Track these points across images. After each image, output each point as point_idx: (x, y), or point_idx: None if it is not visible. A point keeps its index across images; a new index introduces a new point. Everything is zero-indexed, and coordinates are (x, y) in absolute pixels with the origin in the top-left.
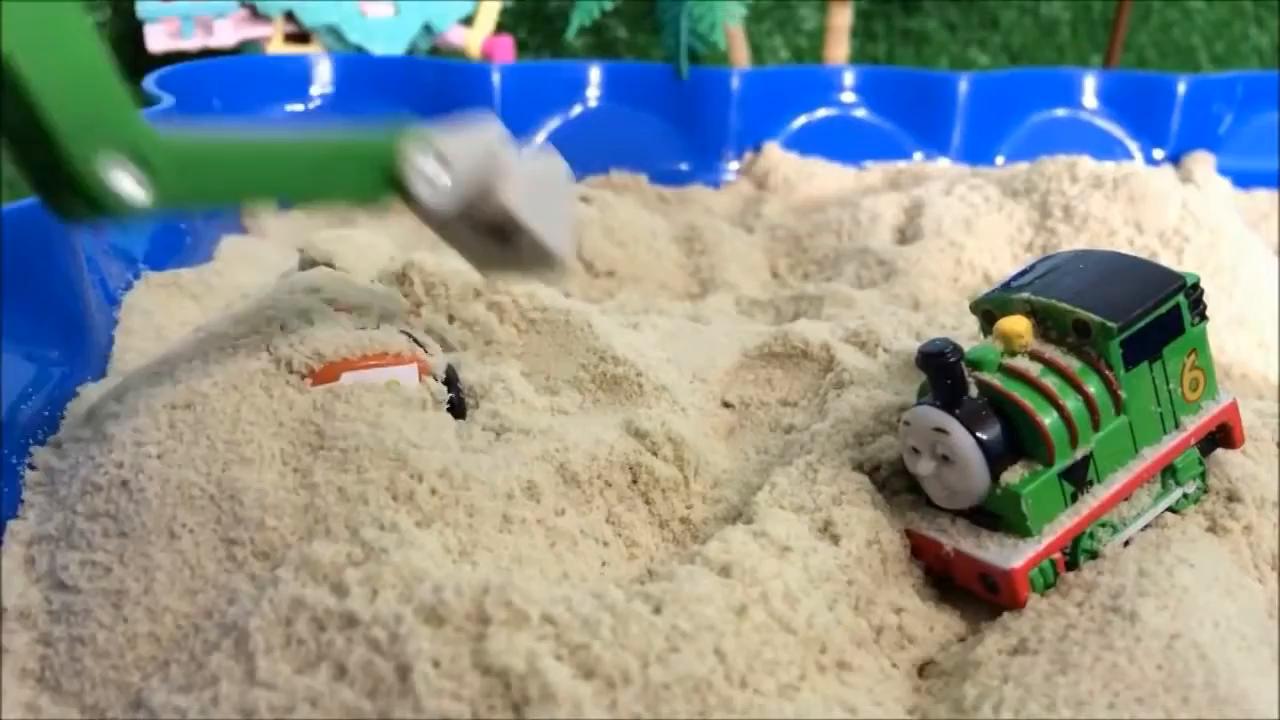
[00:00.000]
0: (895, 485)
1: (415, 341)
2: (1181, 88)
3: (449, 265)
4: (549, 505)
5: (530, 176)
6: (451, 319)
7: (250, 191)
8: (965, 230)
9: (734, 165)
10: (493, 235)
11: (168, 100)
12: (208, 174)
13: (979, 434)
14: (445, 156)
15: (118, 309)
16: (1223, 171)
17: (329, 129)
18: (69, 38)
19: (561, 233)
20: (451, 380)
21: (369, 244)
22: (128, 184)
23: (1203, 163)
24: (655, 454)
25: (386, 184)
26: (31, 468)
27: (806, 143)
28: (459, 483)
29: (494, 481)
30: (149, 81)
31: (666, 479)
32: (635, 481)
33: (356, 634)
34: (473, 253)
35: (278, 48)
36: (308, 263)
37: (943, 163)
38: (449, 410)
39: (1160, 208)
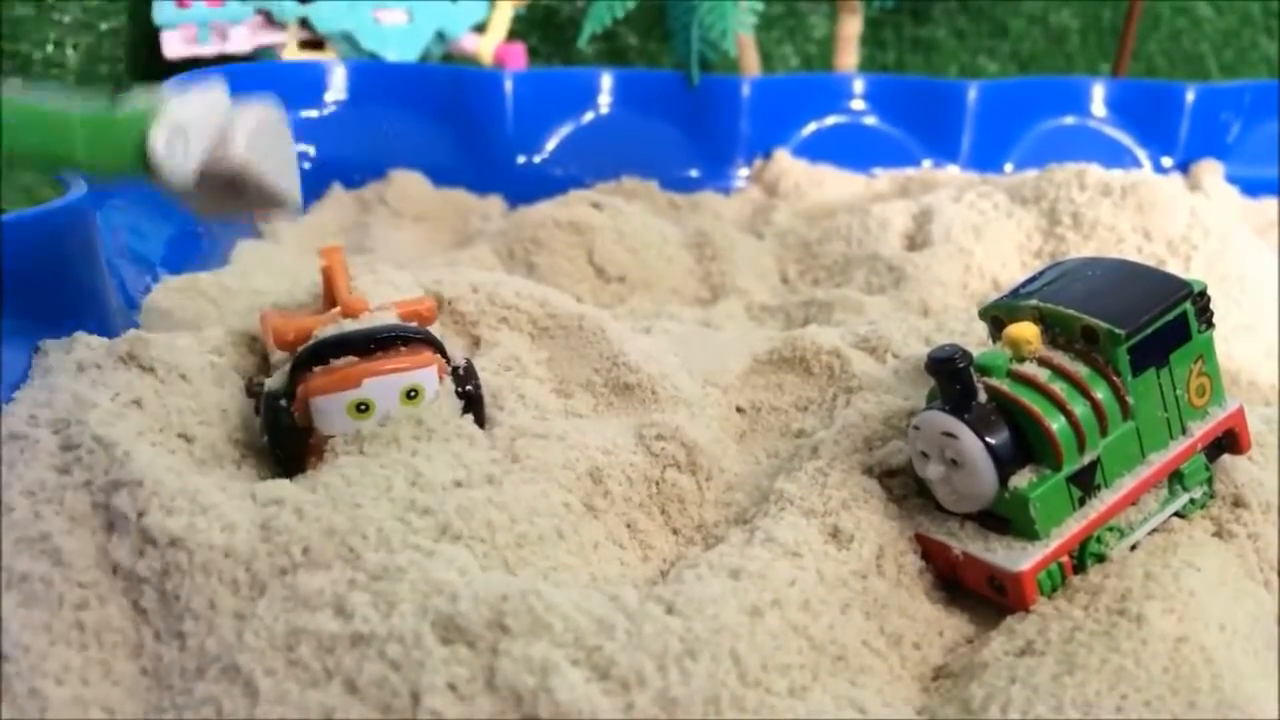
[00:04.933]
0: (904, 489)
1: (432, 340)
2: (1190, 96)
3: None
4: (571, 511)
5: (254, 128)
6: (463, 324)
7: (19, 147)
8: (974, 237)
9: (744, 172)
10: (225, 188)
11: None
12: None
13: (987, 438)
14: (183, 130)
15: (137, 312)
16: (1231, 180)
17: (84, 102)
18: None
19: (289, 174)
20: (470, 375)
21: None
22: None
23: (1211, 171)
24: (672, 459)
25: (134, 160)
26: None
27: (816, 150)
28: (479, 500)
29: (516, 498)
30: (166, 87)
31: (682, 484)
32: (653, 487)
33: (370, 651)
34: (202, 205)
35: (292, 54)
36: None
37: (952, 170)
38: (465, 408)
39: (1168, 215)
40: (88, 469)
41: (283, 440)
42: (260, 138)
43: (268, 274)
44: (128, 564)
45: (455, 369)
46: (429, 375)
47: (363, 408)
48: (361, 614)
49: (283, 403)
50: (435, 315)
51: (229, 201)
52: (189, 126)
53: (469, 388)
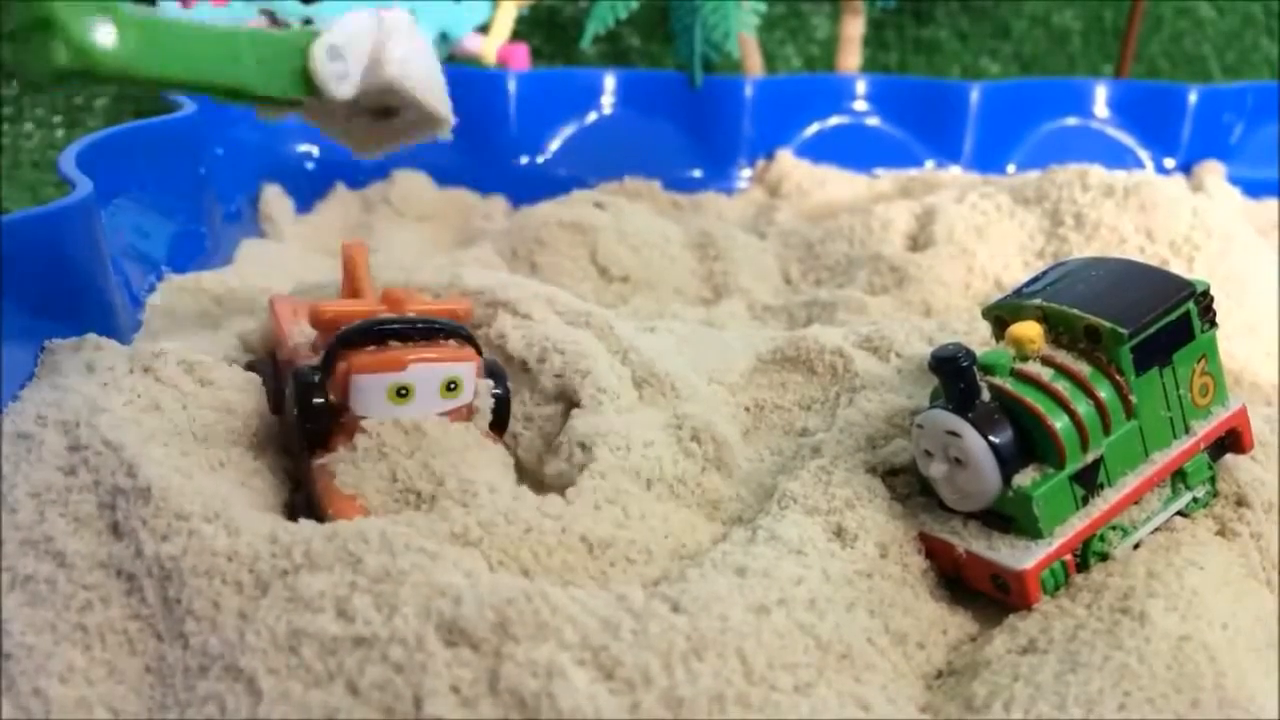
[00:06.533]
0: (908, 488)
1: (472, 339)
2: (1193, 97)
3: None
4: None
5: (405, 48)
6: (476, 327)
7: (198, 69)
8: (977, 237)
9: (747, 172)
10: (378, 113)
11: (190, 106)
12: (167, 44)
13: (991, 437)
14: (340, 50)
15: (141, 311)
16: (1233, 181)
17: (250, 30)
18: None
19: (440, 93)
20: (503, 377)
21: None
22: (102, 35)
23: (1213, 172)
24: (701, 454)
25: (301, 82)
26: None
27: (819, 150)
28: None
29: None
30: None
31: (706, 478)
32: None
33: (373, 653)
34: (355, 137)
35: None
36: None
37: (954, 171)
38: (495, 408)
39: (1171, 216)
40: (94, 471)
41: (312, 416)
42: (412, 57)
43: (271, 273)
44: (132, 565)
45: (489, 370)
46: (469, 370)
47: (403, 392)
48: (364, 616)
49: (316, 379)
50: (471, 315)
51: (385, 126)
52: (346, 46)
53: (500, 390)
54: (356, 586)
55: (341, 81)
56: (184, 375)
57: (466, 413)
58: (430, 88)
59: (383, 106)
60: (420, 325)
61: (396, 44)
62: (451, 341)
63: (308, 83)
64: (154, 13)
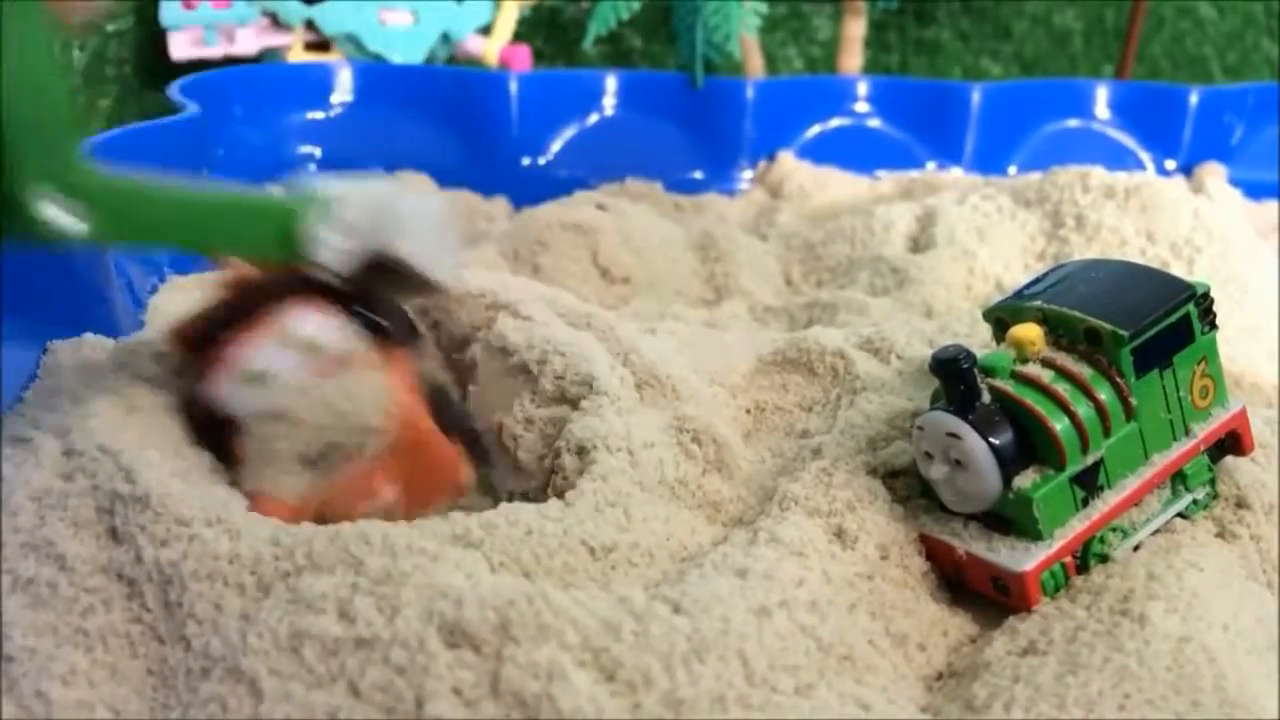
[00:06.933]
0: (908, 490)
1: (300, 286)
2: (1193, 99)
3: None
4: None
5: (421, 222)
6: (475, 329)
7: (170, 236)
8: (978, 239)
9: (748, 174)
10: (383, 276)
11: (192, 108)
12: (136, 215)
13: (991, 439)
14: (344, 222)
15: (143, 312)
16: (1234, 182)
17: (237, 190)
18: (29, 54)
19: (447, 264)
20: (444, 403)
21: None
22: (63, 217)
23: (1214, 173)
24: (701, 455)
25: (289, 246)
26: None
27: (820, 152)
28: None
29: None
30: (173, 89)
31: (707, 480)
32: (680, 481)
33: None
34: (356, 285)
35: (298, 56)
36: None
37: (955, 172)
38: (469, 446)
39: (1172, 218)
40: (91, 476)
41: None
42: (429, 232)
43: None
44: (132, 571)
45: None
46: (315, 322)
47: (259, 377)
48: (365, 617)
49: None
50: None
51: (384, 284)
52: (354, 221)
53: (371, 317)
54: (358, 588)
55: (333, 253)
56: (158, 371)
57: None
58: (437, 265)
59: (386, 270)
60: (240, 307)
61: (408, 232)
62: (279, 304)
63: (290, 249)
64: (128, 181)
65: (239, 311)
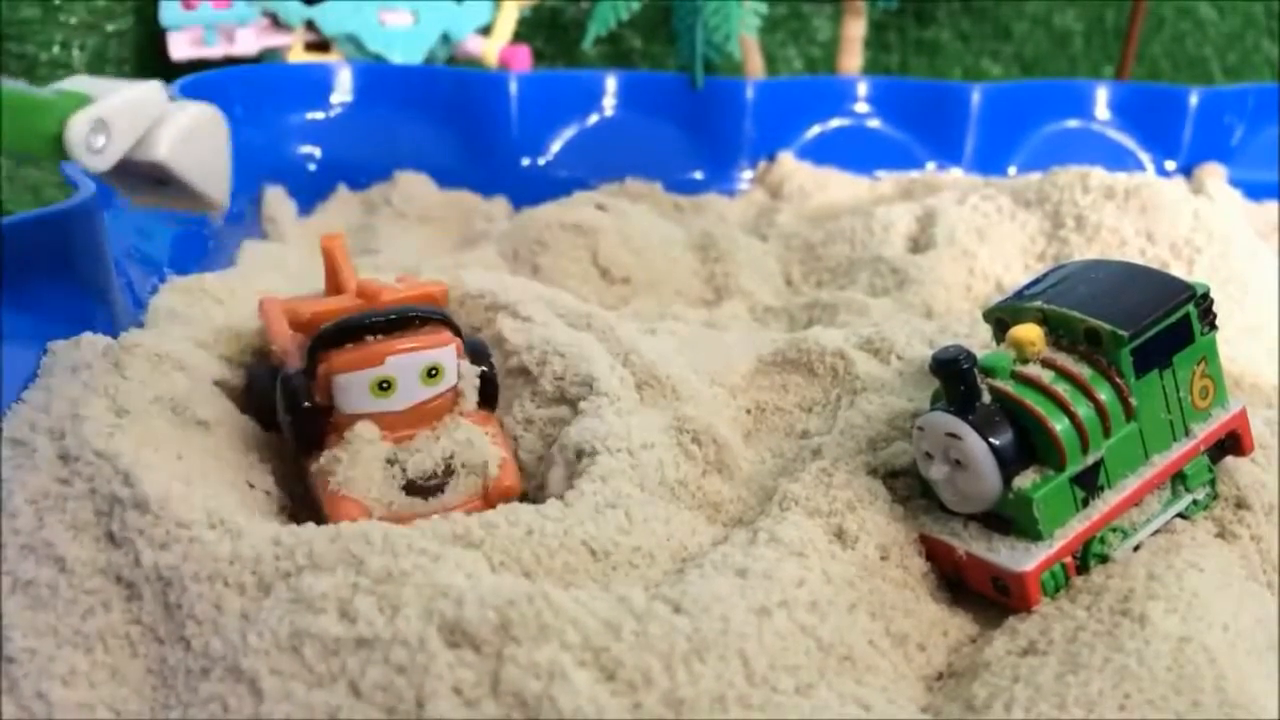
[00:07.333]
0: (908, 490)
1: (449, 321)
2: (1193, 99)
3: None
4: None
5: (186, 127)
6: (476, 329)
7: None
8: (978, 239)
9: (748, 174)
10: (151, 179)
11: None
12: None
13: (991, 439)
14: (105, 122)
15: (144, 312)
16: (1234, 183)
17: (9, 83)
18: None
19: (218, 178)
20: (482, 353)
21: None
22: None
23: (1214, 174)
24: (701, 456)
25: (52, 146)
26: None
27: (820, 152)
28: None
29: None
30: (173, 89)
31: (707, 481)
32: (680, 482)
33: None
34: (129, 190)
35: (298, 56)
36: None
37: (955, 173)
38: (481, 388)
39: (1172, 218)
40: (89, 480)
41: (303, 420)
42: (192, 140)
43: (274, 275)
44: (131, 574)
45: (472, 349)
46: (449, 354)
47: (385, 385)
48: (366, 617)
49: (302, 382)
50: (447, 298)
51: (154, 192)
52: (112, 121)
53: (485, 368)
54: (359, 588)
55: (96, 154)
56: (152, 370)
57: (453, 396)
58: (205, 175)
59: (155, 175)
60: (394, 316)
61: (170, 130)
62: (428, 327)
63: (59, 148)
64: None
65: (379, 322)
